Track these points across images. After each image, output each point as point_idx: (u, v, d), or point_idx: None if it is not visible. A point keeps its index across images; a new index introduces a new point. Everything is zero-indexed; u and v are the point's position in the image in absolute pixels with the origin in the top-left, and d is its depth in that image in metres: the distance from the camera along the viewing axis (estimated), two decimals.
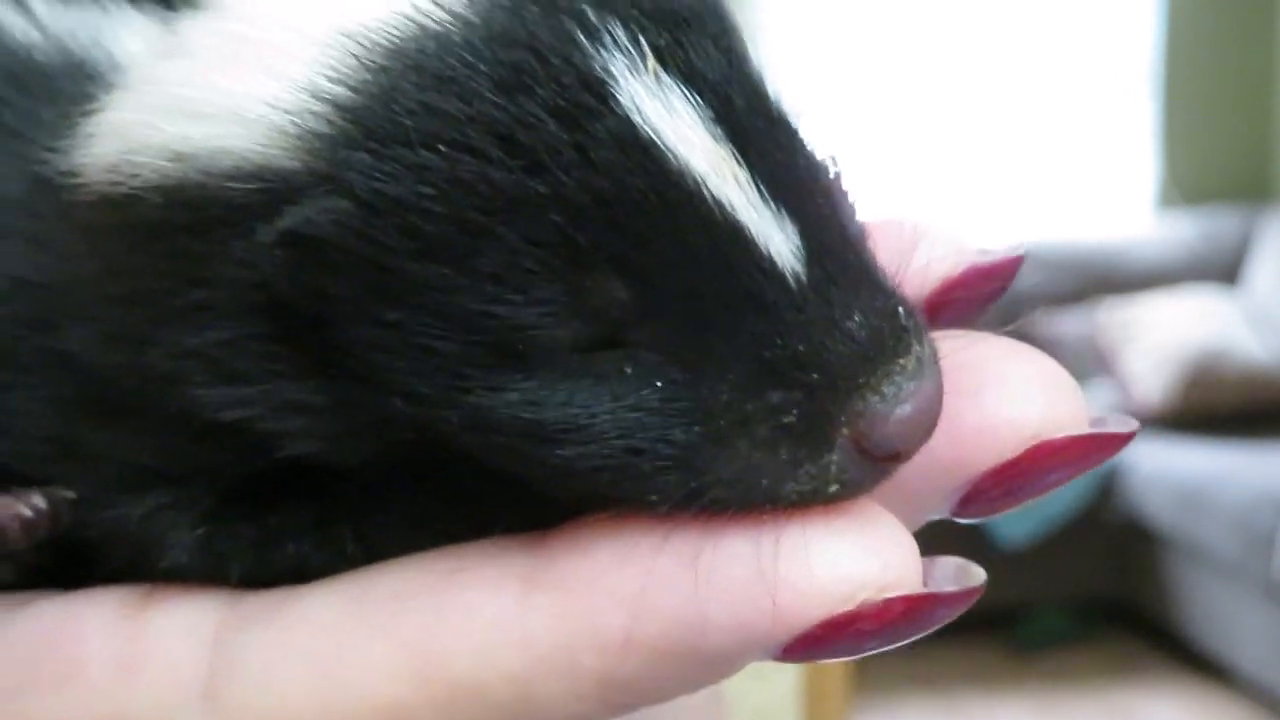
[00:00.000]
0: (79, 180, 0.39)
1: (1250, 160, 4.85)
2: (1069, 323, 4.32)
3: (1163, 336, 4.24)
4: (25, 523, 0.41)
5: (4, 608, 0.41)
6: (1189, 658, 3.86)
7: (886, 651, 0.37)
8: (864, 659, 0.40)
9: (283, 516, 0.41)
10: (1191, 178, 4.81)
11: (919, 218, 0.43)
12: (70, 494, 0.42)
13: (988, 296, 0.44)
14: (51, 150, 0.41)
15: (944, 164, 4.64)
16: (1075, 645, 4.06)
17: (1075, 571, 4.12)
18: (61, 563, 0.43)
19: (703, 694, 0.57)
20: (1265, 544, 3.47)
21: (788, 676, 1.83)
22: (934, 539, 0.40)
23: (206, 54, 0.38)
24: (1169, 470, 3.91)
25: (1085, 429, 0.39)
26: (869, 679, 3.39)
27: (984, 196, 4.66)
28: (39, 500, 0.41)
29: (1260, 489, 3.60)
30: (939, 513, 0.40)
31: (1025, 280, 0.43)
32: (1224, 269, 4.59)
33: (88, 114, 0.40)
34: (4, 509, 0.41)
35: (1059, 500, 3.96)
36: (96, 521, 0.42)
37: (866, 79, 4.52)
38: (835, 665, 1.98)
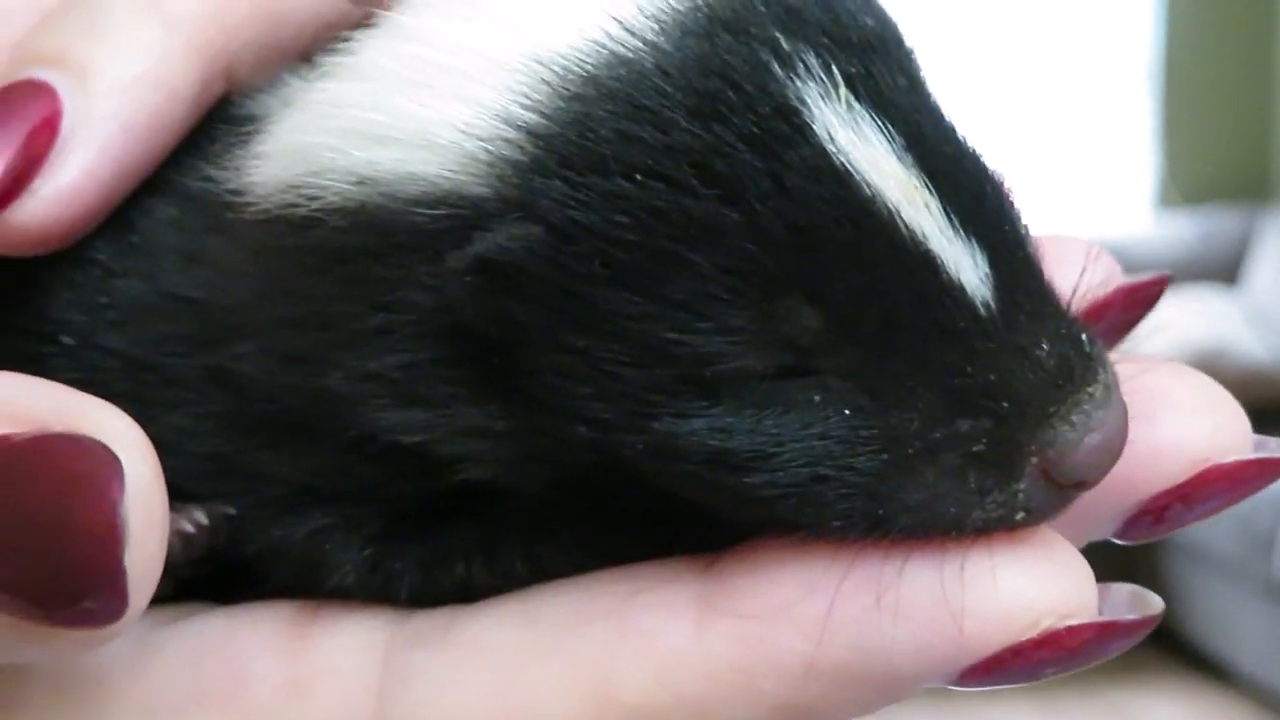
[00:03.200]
0: (247, 200, 0.39)
1: (1250, 160, 4.86)
2: None
3: (1162, 336, 4.25)
4: (185, 538, 0.41)
5: (161, 620, 0.41)
6: (1189, 658, 3.88)
7: None
8: None
9: (451, 537, 0.41)
10: (1191, 178, 4.82)
11: (1072, 237, 0.43)
12: (230, 510, 0.42)
13: (1135, 318, 0.44)
14: (210, 167, 0.41)
15: None
16: None
17: None
18: (216, 576, 0.43)
19: None
20: (1265, 544, 3.49)
21: None
22: None
23: (388, 77, 0.38)
24: None
25: (1251, 453, 0.40)
26: None
27: None
28: (200, 516, 0.41)
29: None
30: (1103, 534, 0.41)
31: None
32: (1224, 269, 4.60)
33: (249, 134, 0.40)
34: None
35: None
36: (257, 538, 0.42)
37: None
38: None
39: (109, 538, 0.33)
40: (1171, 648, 3.95)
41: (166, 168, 0.43)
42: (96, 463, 0.33)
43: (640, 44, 0.36)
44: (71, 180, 0.40)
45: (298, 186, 0.38)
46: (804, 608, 0.36)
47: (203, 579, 0.43)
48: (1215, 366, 4.21)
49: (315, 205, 0.38)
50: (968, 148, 0.38)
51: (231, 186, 0.40)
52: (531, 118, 0.36)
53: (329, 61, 0.39)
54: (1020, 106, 4.80)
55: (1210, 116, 4.85)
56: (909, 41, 0.39)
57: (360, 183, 0.37)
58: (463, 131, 0.36)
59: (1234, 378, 4.19)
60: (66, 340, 0.43)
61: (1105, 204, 4.89)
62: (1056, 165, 4.83)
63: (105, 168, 0.41)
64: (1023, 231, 0.39)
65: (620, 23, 0.36)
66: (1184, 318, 4.30)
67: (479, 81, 0.36)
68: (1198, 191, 4.80)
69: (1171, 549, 3.93)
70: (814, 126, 0.35)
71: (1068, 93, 4.84)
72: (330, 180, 0.37)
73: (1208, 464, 0.39)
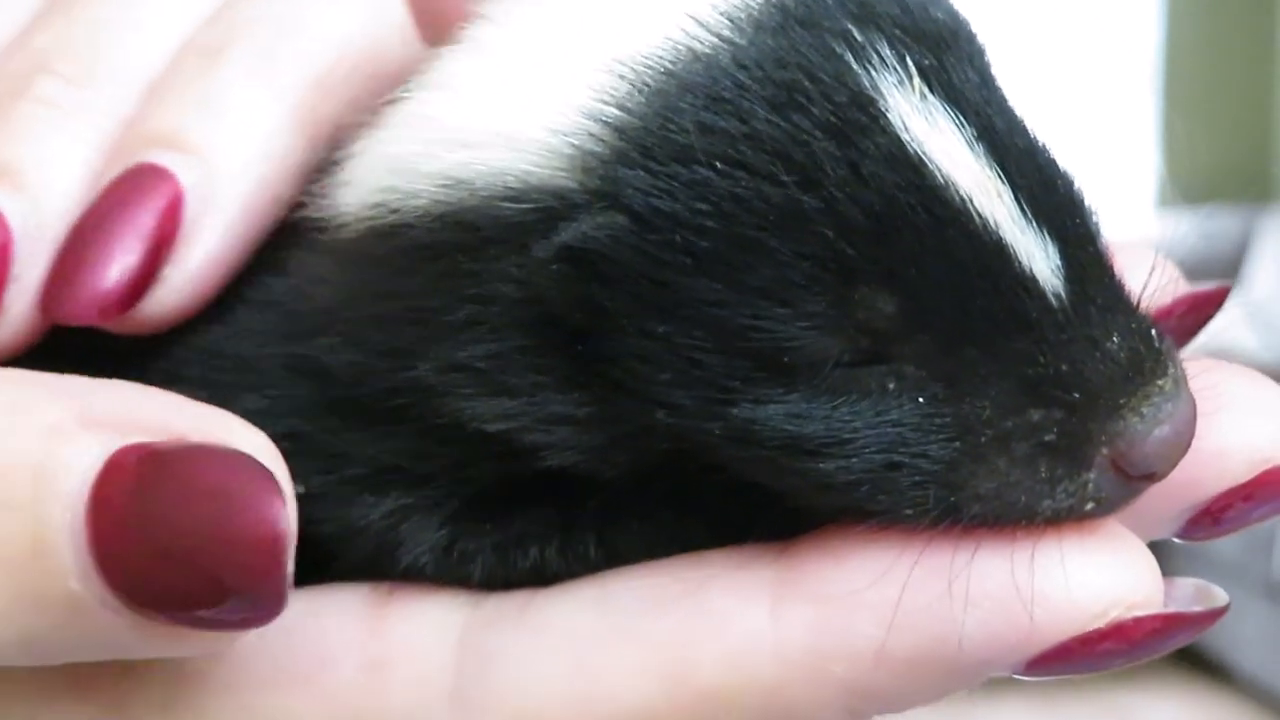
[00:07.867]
0: (338, 224, 0.40)
1: (1250, 160, 4.87)
2: None
3: None
4: None
5: None
6: (1189, 658, 3.88)
7: None
8: None
9: (527, 520, 0.41)
10: (1191, 178, 4.83)
11: (1139, 242, 0.44)
12: (301, 488, 0.42)
13: (1197, 325, 0.45)
14: (306, 195, 0.42)
15: None
16: None
17: None
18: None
19: None
20: (1265, 544, 3.49)
21: None
22: None
23: (471, 86, 0.39)
24: None
25: None
26: None
27: None
28: None
29: None
30: (1165, 533, 0.41)
31: None
32: (1224, 269, 4.61)
33: (336, 164, 0.41)
34: None
35: None
36: (335, 517, 0.42)
37: None
38: None
39: (275, 549, 0.34)
40: None
41: None
42: (251, 476, 0.34)
43: (717, 39, 0.37)
44: (199, 266, 0.41)
45: (385, 196, 0.39)
46: (877, 593, 0.37)
47: None
48: None
49: (404, 210, 0.38)
50: (1038, 142, 0.39)
51: (320, 215, 0.41)
52: (614, 112, 0.36)
53: (411, 81, 0.40)
54: (1021, 107, 4.80)
55: (1210, 116, 4.85)
56: (979, 38, 0.40)
57: (450, 184, 0.38)
58: (547, 128, 0.37)
59: None
60: None
61: (1106, 204, 4.88)
62: None
63: (229, 249, 0.41)
64: (1093, 226, 0.39)
65: (697, 20, 0.37)
66: None
67: (562, 83, 0.37)
68: (1198, 192, 4.80)
69: (1172, 549, 3.93)
70: (889, 115, 0.36)
71: (1069, 93, 4.84)
72: (419, 184, 0.38)
73: (1270, 464, 0.40)
